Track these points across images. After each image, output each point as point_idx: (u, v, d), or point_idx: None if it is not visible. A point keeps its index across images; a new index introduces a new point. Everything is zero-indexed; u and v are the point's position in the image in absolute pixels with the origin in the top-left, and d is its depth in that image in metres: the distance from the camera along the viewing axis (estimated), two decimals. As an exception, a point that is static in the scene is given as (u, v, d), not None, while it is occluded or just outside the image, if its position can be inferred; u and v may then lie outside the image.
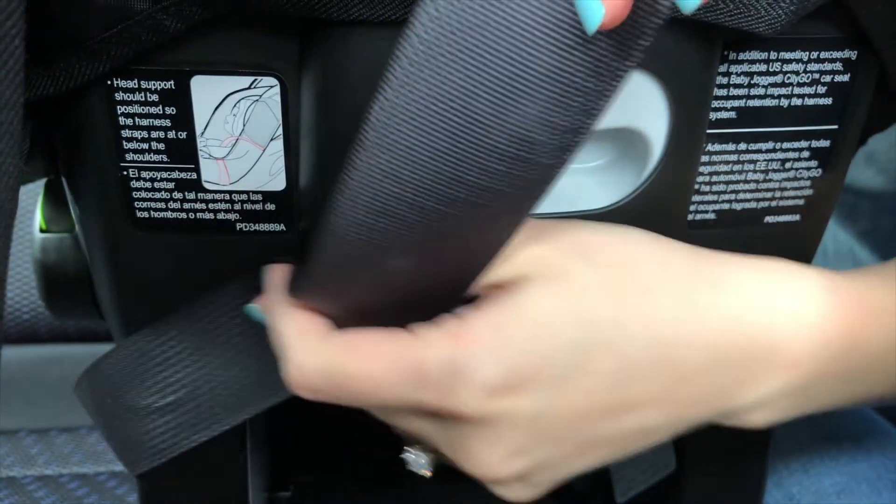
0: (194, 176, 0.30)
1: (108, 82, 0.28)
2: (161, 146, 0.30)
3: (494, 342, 0.26)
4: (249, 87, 0.29)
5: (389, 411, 0.29)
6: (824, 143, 0.33)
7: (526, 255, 0.27)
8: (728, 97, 0.31)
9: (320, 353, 0.27)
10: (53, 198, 0.39)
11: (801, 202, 0.34)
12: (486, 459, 0.27)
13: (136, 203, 0.31)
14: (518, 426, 0.26)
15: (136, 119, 0.29)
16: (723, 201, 0.34)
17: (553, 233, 0.27)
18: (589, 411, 0.27)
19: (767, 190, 0.34)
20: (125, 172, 0.30)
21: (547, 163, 0.22)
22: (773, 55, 0.31)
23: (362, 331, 0.27)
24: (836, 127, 0.33)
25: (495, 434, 0.27)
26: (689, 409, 0.28)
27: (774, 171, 0.33)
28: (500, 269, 0.27)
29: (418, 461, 0.31)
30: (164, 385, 0.34)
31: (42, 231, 0.39)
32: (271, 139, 0.30)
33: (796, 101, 0.32)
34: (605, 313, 0.26)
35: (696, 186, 0.33)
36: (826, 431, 0.52)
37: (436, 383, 0.26)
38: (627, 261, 0.27)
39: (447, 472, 0.67)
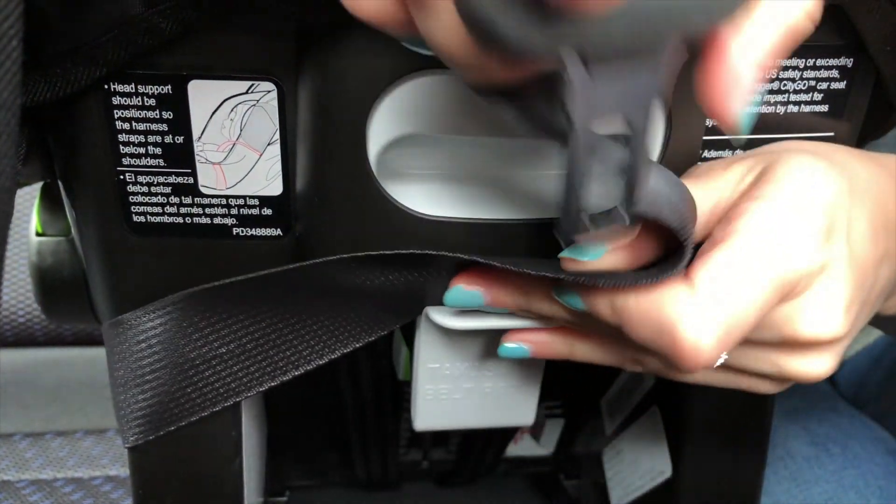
0: (191, 180, 0.30)
1: (105, 87, 0.28)
2: (158, 150, 0.30)
3: (803, 199, 0.28)
4: (247, 92, 0.29)
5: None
6: None
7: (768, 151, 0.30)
8: None
9: (714, 318, 0.26)
10: (50, 201, 0.39)
11: None
12: (832, 313, 0.28)
13: (132, 207, 0.31)
14: (844, 270, 0.28)
15: (133, 123, 0.29)
16: None
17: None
18: (868, 256, 0.29)
19: None
20: (122, 177, 0.30)
21: None
22: None
23: (719, 269, 0.27)
24: (831, 134, 0.33)
25: (832, 281, 0.28)
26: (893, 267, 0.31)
27: None
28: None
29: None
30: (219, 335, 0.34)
31: (38, 234, 0.39)
32: (268, 144, 0.30)
33: (793, 108, 0.32)
34: (855, 174, 0.29)
35: None
36: (815, 439, 0.52)
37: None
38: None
39: (445, 476, 0.67)
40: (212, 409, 0.35)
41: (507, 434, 0.63)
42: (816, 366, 0.30)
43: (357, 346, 0.34)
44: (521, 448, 0.66)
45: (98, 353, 0.79)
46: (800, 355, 0.29)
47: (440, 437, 0.63)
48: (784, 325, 0.28)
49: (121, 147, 0.30)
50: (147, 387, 0.34)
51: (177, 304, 0.33)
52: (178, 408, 0.35)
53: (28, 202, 0.69)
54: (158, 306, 0.33)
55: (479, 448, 0.64)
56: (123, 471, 0.61)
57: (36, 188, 0.40)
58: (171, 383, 0.34)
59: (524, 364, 0.38)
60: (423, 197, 0.31)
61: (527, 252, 0.32)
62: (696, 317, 0.26)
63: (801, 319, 0.28)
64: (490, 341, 0.36)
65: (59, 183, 0.33)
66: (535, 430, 0.65)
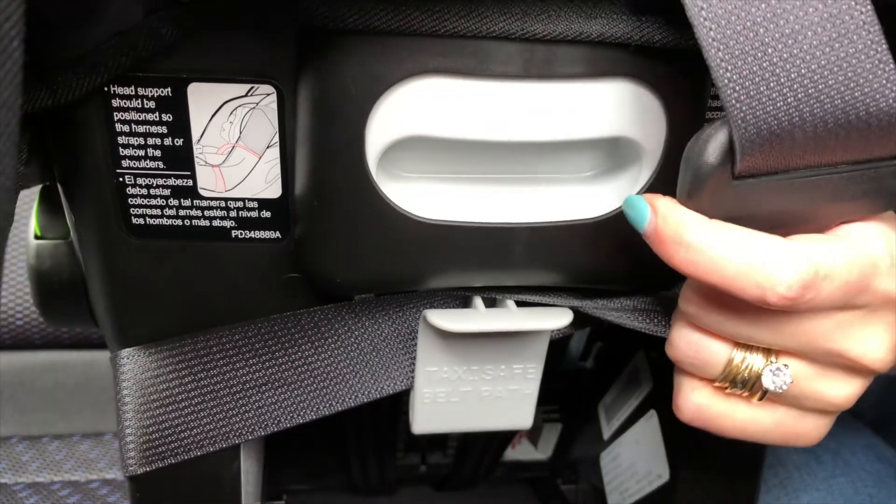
0: (190, 183, 0.30)
1: (106, 89, 0.28)
2: (157, 153, 0.30)
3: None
4: (246, 95, 0.29)
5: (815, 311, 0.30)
6: None
7: None
8: (722, 107, 0.31)
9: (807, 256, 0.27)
10: (48, 204, 0.39)
11: None
12: (886, 344, 0.30)
13: (131, 209, 0.31)
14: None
15: (133, 126, 0.29)
16: None
17: None
18: None
19: None
20: (121, 179, 0.30)
21: None
22: None
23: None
24: None
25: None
26: None
27: None
28: None
29: (781, 378, 0.31)
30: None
31: (37, 237, 0.39)
32: (268, 147, 0.30)
33: None
34: None
35: None
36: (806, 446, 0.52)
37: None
38: None
39: (442, 480, 0.67)
40: (218, 445, 0.36)
41: (504, 438, 0.63)
42: (856, 393, 0.31)
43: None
44: (518, 452, 0.66)
45: (96, 357, 0.79)
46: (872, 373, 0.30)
47: (438, 441, 0.63)
48: (850, 342, 0.29)
49: (120, 149, 0.30)
50: (156, 418, 0.35)
51: (192, 341, 0.34)
52: (181, 441, 0.35)
53: (27, 205, 0.68)
54: (177, 342, 0.35)
55: (476, 452, 0.64)
56: (120, 474, 0.61)
57: (35, 191, 0.40)
58: (175, 416, 0.35)
59: (522, 367, 0.38)
60: (422, 200, 0.31)
61: (524, 255, 0.32)
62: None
63: (867, 343, 0.29)
64: (488, 344, 0.36)
65: (59, 185, 0.33)
66: (533, 435, 0.65)
